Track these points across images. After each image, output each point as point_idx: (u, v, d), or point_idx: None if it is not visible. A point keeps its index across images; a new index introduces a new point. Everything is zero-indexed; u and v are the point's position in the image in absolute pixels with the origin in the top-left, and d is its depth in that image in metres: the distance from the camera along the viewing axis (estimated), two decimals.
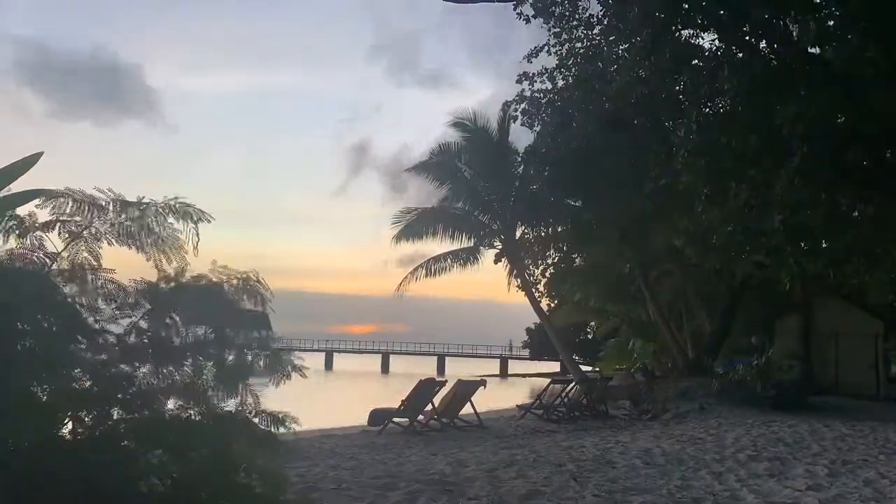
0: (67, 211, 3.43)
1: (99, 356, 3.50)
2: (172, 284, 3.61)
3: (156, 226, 3.49)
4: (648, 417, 16.06)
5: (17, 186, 3.45)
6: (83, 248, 3.44)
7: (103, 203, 3.48)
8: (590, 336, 42.74)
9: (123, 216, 3.48)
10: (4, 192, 3.45)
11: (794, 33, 13.64)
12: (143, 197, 3.53)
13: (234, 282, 3.67)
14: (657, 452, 9.65)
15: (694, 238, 15.20)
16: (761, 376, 17.16)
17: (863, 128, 12.42)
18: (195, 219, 3.53)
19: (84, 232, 3.45)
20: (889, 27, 11.74)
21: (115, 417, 3.45)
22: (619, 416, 16.59)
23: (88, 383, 3.45)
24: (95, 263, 3.47)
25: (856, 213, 14.99)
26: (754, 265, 15.46)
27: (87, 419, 3.46)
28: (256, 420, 3.72)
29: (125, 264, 3.55)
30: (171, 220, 3.51)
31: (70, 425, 3.43)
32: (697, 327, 24.79)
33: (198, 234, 3.54)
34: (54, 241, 3.46)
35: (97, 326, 3.50)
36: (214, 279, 3.65)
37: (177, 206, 3.53)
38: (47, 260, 3.46)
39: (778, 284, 17.28)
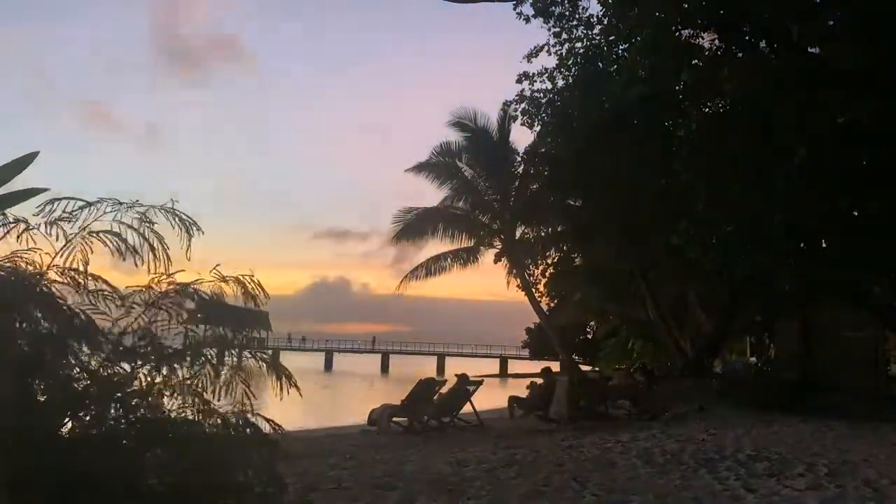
0: (62, 212, 3.42)
1: (97, 356, 3.50)
2: (170, 287, 3.62)
3: (148, 229, 3.50)
4: (648, 417, 16.04)
5: (13, 186, 3.45)
6: (78, 249, 3.43)
7: (97, 204, 3.47)
8: (590, 336, 42.74)
9: (117, 217, 3.48)
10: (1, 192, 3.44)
11: (795, 34, 13.65)
12: (137, 200, 3.54)
13: (231, 284, 3.68)
14: (657, 452, 9.64)
15: (694, 238, 15.19)
16: (761, 376, 17.15)
17: (863, 128, 12.43)
18: (187, 225, 3.54)
19: (79, 233, 3.45)
20: (889, 28, 11.75)
21: (113, 417, 3.45)
22: (618, 415, 16.57)
23: (87, 383, 3.45)
24: (89, 265, 3.47)
25: (855, 213, 15.01)
26: (754, 265, 15.45)
27: (86, 419, 3.46)
28: (254, 420, 3.71)
29: (118, 266, 3.55)
30: (164, 223, 3.53)
31: (69, 425, 3.43)
32: (697, 327, 24.77)
33: (191, 237, 3.56)
34: (51, 242, 3.45)
35: (94, 327, 3.50)
36: (210, 281, 3.66)
37: (169, 210, 3.54)
38: (44, 261, 3.46)
39: (778, 284, 17.31)
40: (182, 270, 3.64)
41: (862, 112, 12.36)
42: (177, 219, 3.53)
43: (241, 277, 3.71)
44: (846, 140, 12.97)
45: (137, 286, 3.60)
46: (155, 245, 3.49)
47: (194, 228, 3.57)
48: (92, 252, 3.43)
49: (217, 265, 3.71)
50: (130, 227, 3.46)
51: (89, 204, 3.44)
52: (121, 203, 3.50)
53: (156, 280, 3.57)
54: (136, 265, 3.47)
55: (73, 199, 3.45)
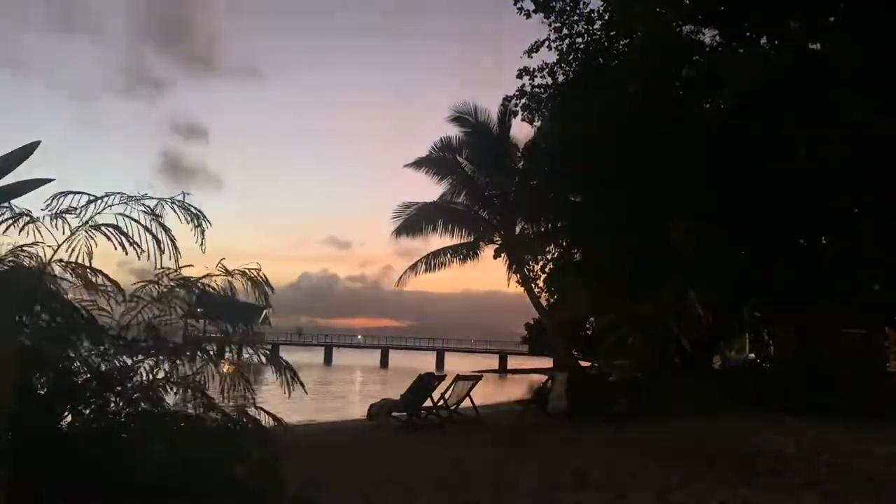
0: (65, 204, 3.38)
1: (98, 350, 3.49)
2: (174, 282, 3.60)
3: (154, 223, 3.45)
4: (648, 414, 16.06)
5: (14, 177, 3.39)
6: (81, 242, 3.39)
7: (102, 197, 3.43)
8: (589, 332, 42.71)
9: (122, 210, 3.44)
10: (2, 182, 3.39)
11: (795, 30, 13.62)
12: (146, 194, 3.49)
13: (239, 278, 3.66)
14: (656, 449, 9.66)
15: (694, 235, 15.18)
16: (760, 373, 17.16)
17: (863, 127, 12.40)
18: (197, 219, 3.49)
19: (82, 226, 3.41)
20: (889, 24, 11.72)
21: (113, 410, 3.44)
22: (618, 412, 16.57)
23: (87, 376, 3.44)
24: (91, 258, 3.42)
25: (856, 212, 15.00)
26: (754, 262, 15.45)
27: (86, 412, 3.45)
28: (254, 415, 3.71)
29: (121, 259, 3.51)
30: (172, 216, 3.48)
31: (69, 418, 3.42)
32: (697, 324, 24.75)
33: (203, 232, 3.51)
34: (54, 235, 3.41)
35: (94, 321, 3.48)
36: (218, 275, 3.63)
37: (178, 203, 3.49)
38: (46, 253, 3.43)
39: (777, 283, 17.31)
40: (190, 265, 3.60)
41: (862, 112, 12.34)
42: (185, 212, 3.48)
43: (247, 270, 3.69)
44: (846, 139, 12.95)
45: (141, 281, 3.57)
46: (161, 238, 3.44)
47: (204, 221, 3.52)
48: (97, 245, 3.38)
49: (222, 259, 3.68)
50: (136, 220, 3.41)
51: (97, 198, 3.39)
52: (130, 197, 3.44)
53: (161, 275, 3.54)
54: (138, 258, 3.43)
55: (80, 192, 3.40)
